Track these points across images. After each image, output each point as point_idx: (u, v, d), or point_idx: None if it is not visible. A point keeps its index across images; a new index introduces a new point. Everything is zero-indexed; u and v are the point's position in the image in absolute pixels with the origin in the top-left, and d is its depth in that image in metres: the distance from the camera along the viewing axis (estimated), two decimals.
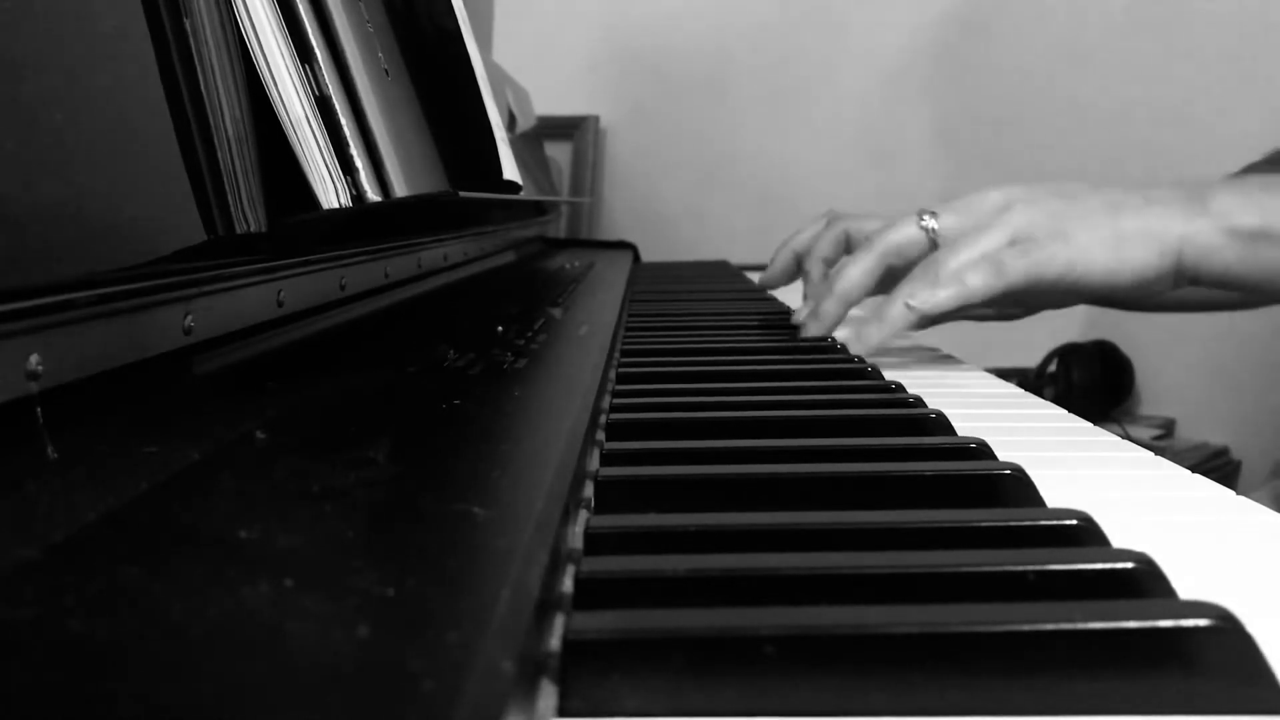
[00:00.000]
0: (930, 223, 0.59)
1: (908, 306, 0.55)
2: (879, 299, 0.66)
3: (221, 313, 0.37)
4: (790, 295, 0.89)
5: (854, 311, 0.63)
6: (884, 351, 0.61)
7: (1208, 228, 0.52)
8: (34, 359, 0.26)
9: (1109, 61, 1.54)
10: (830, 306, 0.60)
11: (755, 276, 1.09)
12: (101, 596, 0.17)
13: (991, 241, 0.55)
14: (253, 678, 0.15)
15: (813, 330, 0.61)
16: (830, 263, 0.76)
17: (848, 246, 0.77)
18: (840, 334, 0.61)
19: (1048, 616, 0.19)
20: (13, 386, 0.25)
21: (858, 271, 0.60)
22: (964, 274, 0.54)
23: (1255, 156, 0.83)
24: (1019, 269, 0.53)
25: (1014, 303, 0.66)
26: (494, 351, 0.45)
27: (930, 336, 0.69)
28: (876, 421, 0.39)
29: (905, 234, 0.59)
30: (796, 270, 0.79)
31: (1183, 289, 0.55)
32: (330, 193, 0.42)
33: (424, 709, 0.14)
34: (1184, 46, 1.48)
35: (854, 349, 0.57)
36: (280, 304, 0.42)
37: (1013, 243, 0.54)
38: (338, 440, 0.29)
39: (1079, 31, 1.55)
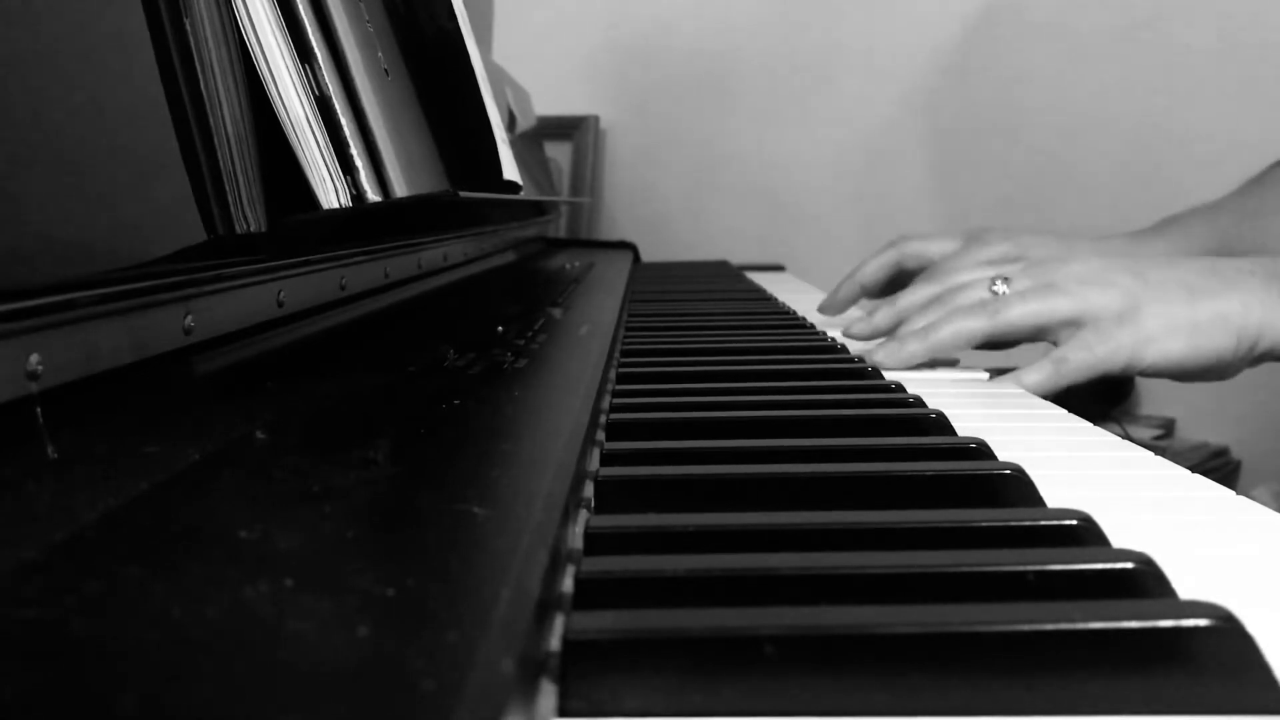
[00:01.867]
0: (1002, 289, 0.56)
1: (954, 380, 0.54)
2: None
3: (221, 313, 0.37)
4: (791, 297, 0.89)
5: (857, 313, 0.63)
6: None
7: None
8: (34, 359, 0.26)
9: (1109, 66, 1.54)
10: (883, 323, 0.60)
11: (756, 277, 1.10)
12: (102, 596, 0.17)
13: (1061, 309, 0.53)
14: (253, 678, 0.15)
15: (875, 355, 0.57)
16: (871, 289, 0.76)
17: (902, 270, 0.75)
18: (867, 339, 0.61)
19: (1048, 616, 0.19)
20: (13, 386, 0.25)
21: (917, 348, 0.57)
22: (1022, 375, 0.53)
23: (1254, 163, 0.83)
24: (1079, 365, 0.52)
25: None
26: (494, 351, 0.45)
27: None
28: (876, 421, 0.39)
29: (972, 298, 0.57)
30: (855, 300, 0.79)
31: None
32: (330, 193, 0.42)
33: (424, 709, 0.14)
34: (1184, 56, 1.48)
35: (882, 358, 0.56)
36: (280, 304, 0.42)
37: (1078, 323, 0.53)
38: (338, 440, 0.29)
39: (1079, 35, 1.55)
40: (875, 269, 0.76)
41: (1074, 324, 0.53)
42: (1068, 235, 0.72)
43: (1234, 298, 0.51)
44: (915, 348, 0.56)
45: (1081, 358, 0.51)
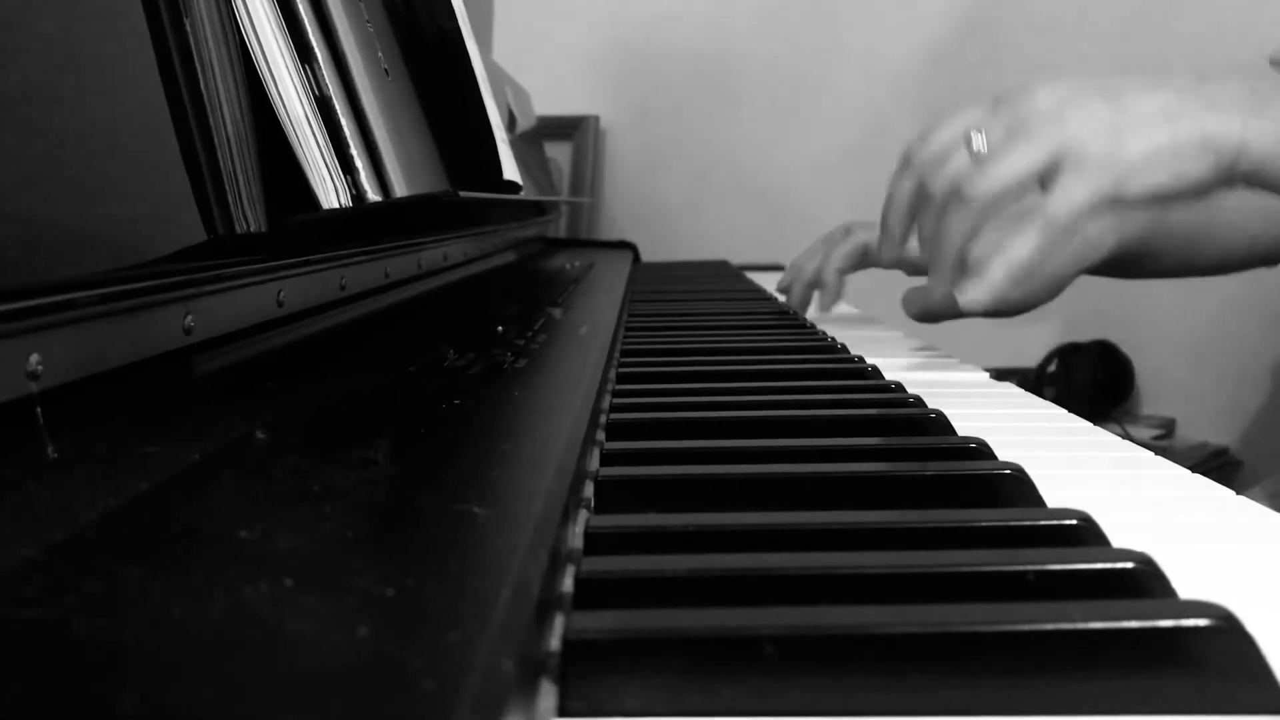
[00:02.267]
0: (979, 143, 0.53)
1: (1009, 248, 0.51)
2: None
3: (221, 313, 0.37)
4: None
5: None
6: (884, 351, 0.61)
7: (1270, 131, 0.50)
8: (34, 359, 0.26)
9: (1111, 62, 1.54)
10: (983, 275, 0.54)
11: (756, 277, 1.10)
12: (102, 596, 0.17)
13: (1032, 159, 0.51)
14: (253, 677, 0.15)
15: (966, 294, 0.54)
16: (844, 272, 0.77)
17: (865, 258, 0.78)
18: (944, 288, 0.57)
19: (1048, 616, 0.19)
20: (13, 386, 0.25)
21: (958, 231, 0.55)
22: (1009, 247, 0.50)
23: None
24: (1068, 214, 0.49)
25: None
26: (494, 351, 0.45)
27: (931, 336, 0.69)
28: (876, 421, 0.39)
29: (955, 168, 0.54)
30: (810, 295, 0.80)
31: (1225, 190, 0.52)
32: (330, 193, 0.42)
33: (424, 709, 0.14)
34: (1183, 52, 1.48)
35: (978, 295, 0.52)
36: (280, 304, 0.42)
37: (1057, 160, 0.50)
38: (338, 440, 0.29)
39: (1079, 33, 1.55)
40: (821, 259, 0.78)
41: (1055, 165, 0.51)
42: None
43: (1213, 118, 0.50)
44: (997, 275, 0.52)
45: (1066, 209, 0.50)
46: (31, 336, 0.26)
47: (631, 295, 0.86)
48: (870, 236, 0.76)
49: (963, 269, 0.54)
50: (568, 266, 1.05)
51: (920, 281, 0.68)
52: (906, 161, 0.62)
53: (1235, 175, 0.51)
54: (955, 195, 0.54)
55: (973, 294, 0.51)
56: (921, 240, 0.59)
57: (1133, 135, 0.50)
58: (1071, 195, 0.50)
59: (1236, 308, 1.43)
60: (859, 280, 0.84)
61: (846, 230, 0.80)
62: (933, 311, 0.66)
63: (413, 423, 0.31)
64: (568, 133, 1.71)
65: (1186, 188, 0.51)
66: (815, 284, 0.82)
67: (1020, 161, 0.51)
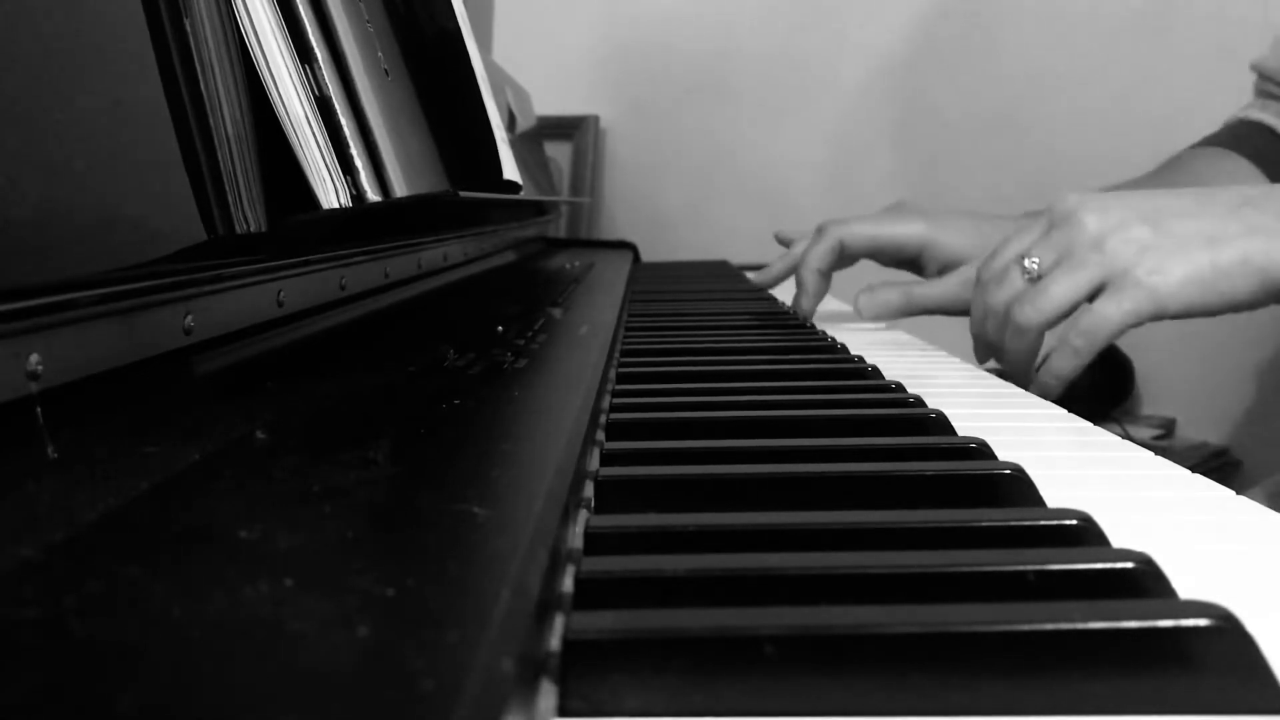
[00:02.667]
0: (1033, 265, 0.57)
1: (1054, 377, 0.56)
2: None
3: (221, 313, 0.37)
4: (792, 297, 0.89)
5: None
6: (884, 350, 0.61)
7: None
8: (34, 359, 0.26)
9: (1112, 60, 1.54)
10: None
11: (754, 276, 1.10)
12: (102, 596, 0.17)
13: (1078, 287, 0.54)
14: (253, 677, 0.15)
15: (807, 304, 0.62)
16: (825, 274, 0.78)
17: (843, 253, 0.78)
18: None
19: (1048, 616, 0.19)
20: (13, 386, 0.25)
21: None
22: (1053, 360, 0.55)
23: None
24: (1110, 329, 0.53)
25: None
26: (494, 351, 0.45)
27: (931, 337, 0.69)
28: (876, 421, 0.39)
29: (1011, 290, 0.57)
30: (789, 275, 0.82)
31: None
32: (330, 193, 0.42)
33: (424, 709, 0.14)
34: (1184, 47, 1.48)
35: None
36: (280, 304, 0.42)
37: (1105, 284, 0.53)
38: (338, 440, 0.29)
39: (1080, 31, 1.55)
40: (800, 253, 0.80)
41: (1101, 287, 0.54)
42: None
43: (1257, 242, 0.52)
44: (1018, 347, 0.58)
45: (1110, 323, 0.53)
46: (31, 336, 0.26)
47: (631, 295, 0.86)
48: (843, 232, 0.77)
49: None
50: (568, 266, 1.05)
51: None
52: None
53: (1276, 293, 0.52)
54: (1009, 317, 0.58)
55: (1060, 368, 0.56)
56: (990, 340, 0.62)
57: (1175, 260, 0.52)
58: (1109, 316, 0.53)
59: None
60: (857, 281, 0.84)
61: (819, 230, 0.81)
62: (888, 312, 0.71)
63: (413, 423, 0.31)
64: (568, 133, 1.71)
65: (1229, 307, 0.53)
66: (790, 273, 0.84)
67: (1067, 291, 0.54)
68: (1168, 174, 0.82)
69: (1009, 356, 0.59)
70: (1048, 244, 0.56)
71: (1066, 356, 0.55)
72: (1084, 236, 0.54)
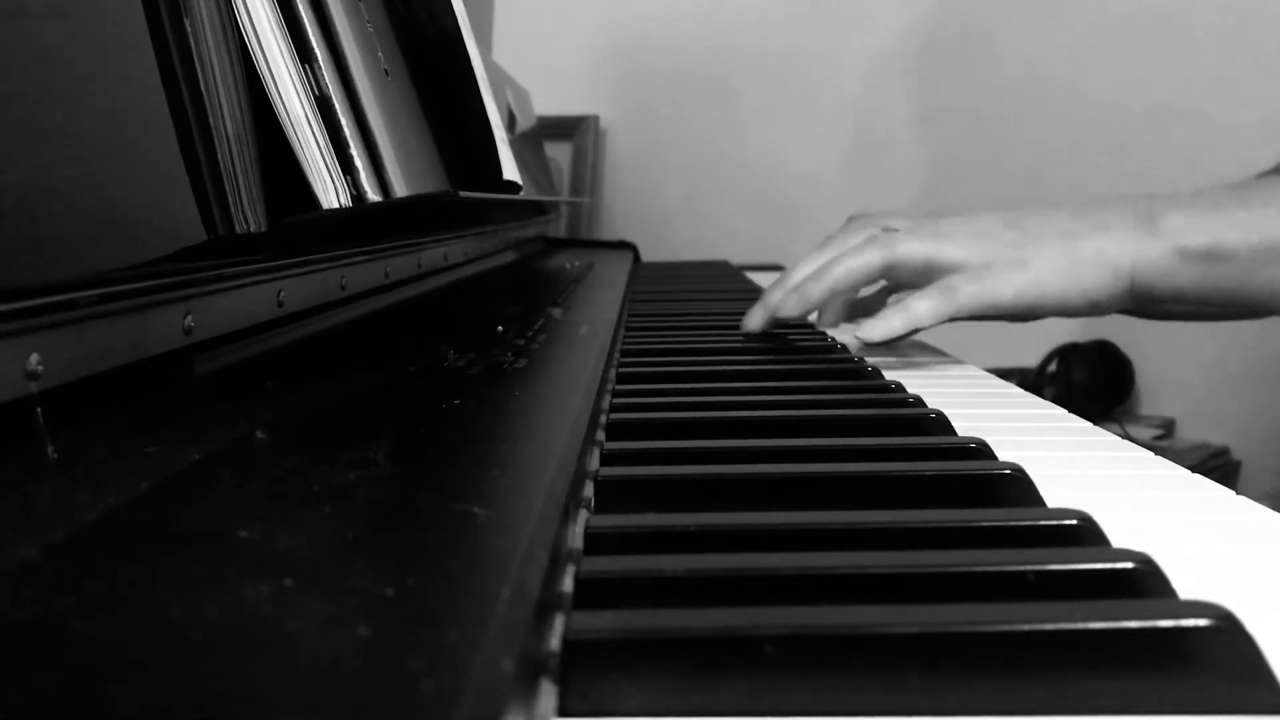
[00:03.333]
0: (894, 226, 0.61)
1: (857, 338, 0.57)
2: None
3: (221, 313, 0.37)
4: None
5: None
6: (883, 350, 0.61)
7: (1158, 249, 0.53)
8: (34, 359, 0.26)
9: (1109, 59, 1.54)
10: (763, 309, 0.62)
11: (756, 277, 1.10)
12: (101, 596, 0.17)
13: (950, 254, 0.56)
14: (253, 678, 0.15)
15: (751, 323, 0.62)
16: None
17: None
18: (775, 298, 0.62)
19: (1048, 616, 0.19)
20: (13, 386, 0.25)
21: (815, 289, 0.60)
22: (911, 301, 0.56)
23: (1251, 154, 0.83)
24: (969, 294, 0.55)
25: (975, 318, 0.68)
26: (494, 351, 0.45)
27: (930, 336, 0.69)
28: (876, 421, 0.39)
29: (864, 261, 0.60)
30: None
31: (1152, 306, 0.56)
32: (330, 193, 0.42)
33: (424, 709, 0.14)
34: (1184, 42, 1.48)
35: (790, 307, 0.59)
36: (280, 304, 0.42)
37: (964, 269, 0.56)
38: (338, 440, 0.29)
39: (1080, 29, 1.55)
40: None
41: (960, 269, 0.56)
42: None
43: (1108, 237, 0.55)
44: (813, 288, 0.59)
45: (971, 289, 0.55)
46: (31, 336, 0.26)
47: (631, 295, 0.86)
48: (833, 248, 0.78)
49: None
50: (568, 266, 1.05)
51: None
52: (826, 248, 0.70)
53: (1136, 291, 0.55)
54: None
55: (868, 333, 0.57)
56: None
57: (1035, 251, 0.56)
58: (975, 281, 0.55)
59: None
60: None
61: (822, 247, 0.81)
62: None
63: (413, 423, 0.31)
64: (568, 133, 1.71)
65: (1086, 296, 0.55)
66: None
67: (935, 247, 0.57)
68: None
69: (810, 288, 0.60)
70: (909, 228, 0.60)
71: (925, 307, 0.55)
72: (951, 223, 0.58)
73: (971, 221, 0.58)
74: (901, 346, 0.67)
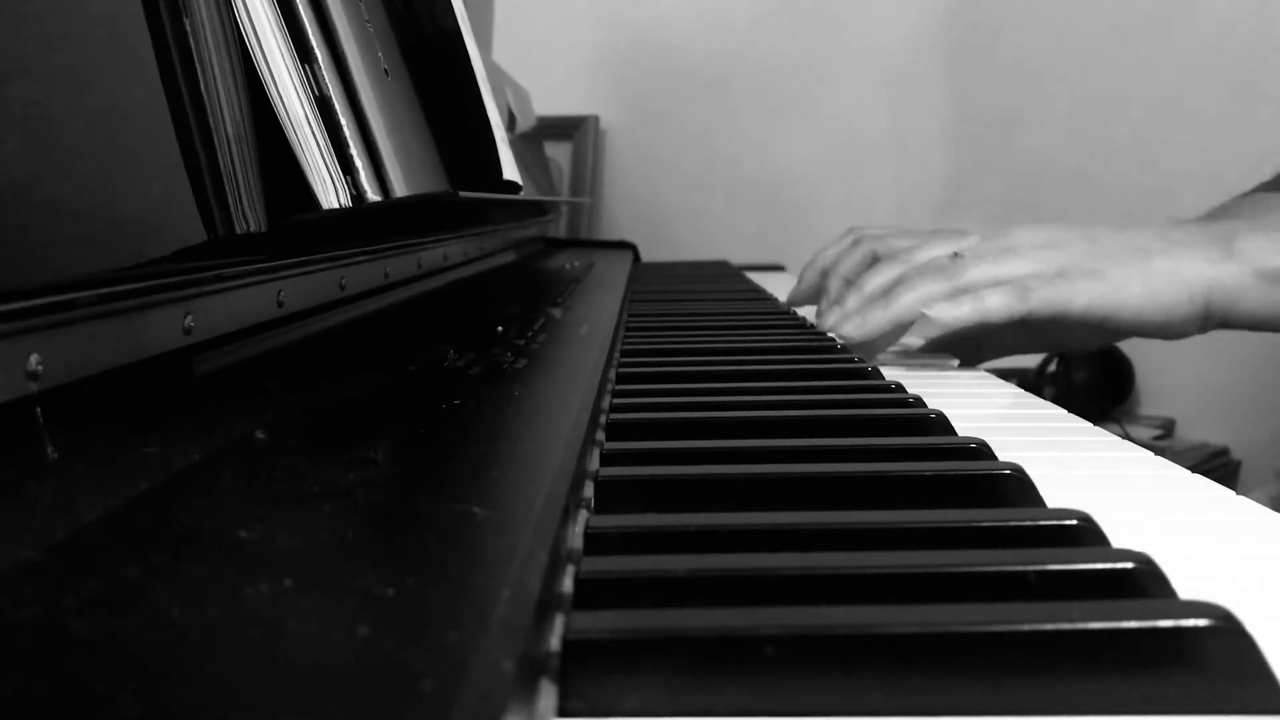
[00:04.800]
0: (964, 247, 0.58)
1: (923, 314, 0.54)
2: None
3: (221, 313, 0.37)
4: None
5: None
6: (884, 350, 0.61)
7: (1235, 271, 0.52)
8: (34, 359, 0.26)
9: (1112, 60, 1.54)
10: (852, 306, 0.59)
11: (756, 277, 1.10)
12: (101, 596, 0.17)
13: (1020, 268, 0.54)
14: (253, 678, 0.15)
15: (841, 328, 0.59)
16: (851, 284, 0.76)
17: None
18: (835, 318, 0.60)
19: (1048, 616, 0.19)
20: (13, 386, 0.25)
21: (881, 281, 0.58)
22: (985, 292, 0.53)
23: (1251, 155, 0.83)
24: (1044, 297, 0.52)
25: (1040, 340, 0.66)
26: (494, 351, 0.45)
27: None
28: (876, 421, 0.39)
29: (931, 292, 0.57)
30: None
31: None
32: (330, 193, 0.42)
33: (424, 709, 0.14)
34: (1188, 46, 1.48)
35: (849, 330, 0.57)
36: (280, 304, 0.42)
37: (1040, 276, 0.54)
38: (338, 440, 0.29)
39: (1081, 30, 1.55)
40: (835, 255, 0.76)
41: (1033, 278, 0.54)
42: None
43: (1184, 256, 0.53)
44: (879, 315, 0.57)
45: (1046, 292, 0.53)
46: (31, 336, 0.26)
47: (631, 295, 0.85)
48: (879, 246, 0.76)
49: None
50: (568, 266, 1.05)
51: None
52: (859, 243, 0.68)
53: (1211, 312, 0.54)
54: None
55: (939, 313, 0.54)
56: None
57: (1110, 262, 0.54)
58: (1050, 284, 0.53)
59: None
60: None
61: (855, 241, 0.79)
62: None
63: (412, 423, 0.31)
64: (568, 133, 1.71)
65: (1162, 314, 0.53)
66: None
67: (1005, 269, 0.54)
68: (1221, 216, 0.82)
69: (874, 315, 0.57)
70: (981, 243, 0.58)
71: (1007, 295, 0.53)
72: (1023, 236, 0.56)
73: (1042, 231, 0.56)
74: (902, 346, 0.67)
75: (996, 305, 0.53)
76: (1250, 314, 0.53)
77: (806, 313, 0.76)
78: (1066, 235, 0.56)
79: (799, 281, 0.77)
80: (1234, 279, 0.52)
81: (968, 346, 0.65)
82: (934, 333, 0.55)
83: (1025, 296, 0.53)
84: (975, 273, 0.55)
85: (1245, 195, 0.80)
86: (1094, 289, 0.53)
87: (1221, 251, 0.53)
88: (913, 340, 0.56)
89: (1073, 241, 0.55)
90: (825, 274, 0.75)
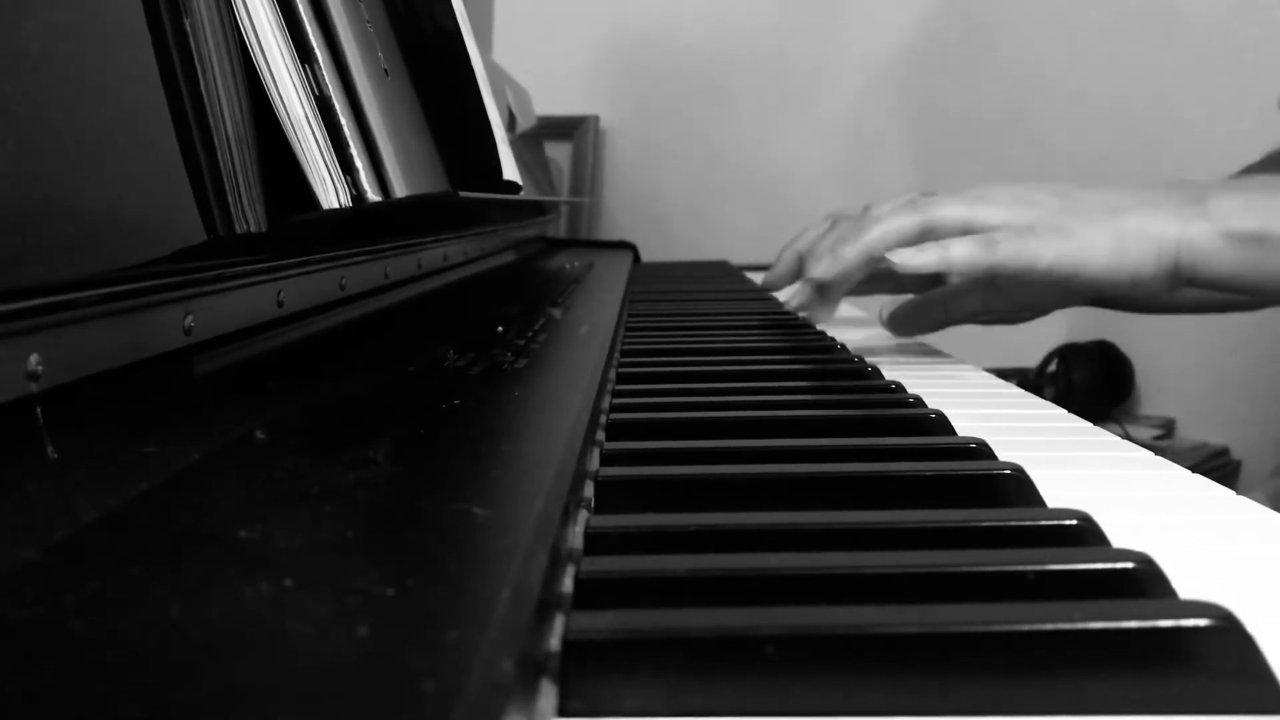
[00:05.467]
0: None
1: (889, 259, 0.54)
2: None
3: (221, 313, 0.37)
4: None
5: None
6: (884, 350, 0.61)
7: (1205, 230, 0.52)
8: (34, 359, 0.26)
9: (1106, 61, 1.54)
10: (814, 283, 0.60)
11: (756, 277, 1.10)
12: (101, 596, 0.17)
13: (990, 216, 0.54)
14: (253, 678, 0.15)
15: (812, 271, 0.59)
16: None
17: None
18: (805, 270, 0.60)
19: (1048, 616, 0.19)
20: (13, 386, 0.25)
21: (850, 252, 0.58)
22: (951, 241, 0.53)
23: (1251, 155, 0.83)
24: (1010, 250, 0.52)
25: (1006, 300, 0.66)
26: (494, 351, 0.45)
27: (931, 336, 0.69)
28: (876, 421, 0.39)
29: (899, 224, 0.57)
30: (799, 272, 0.78)
31: (1180, 290, 0.55)
32: (330, 193, 0.42)
33: (424, 709, 0.14)
34: (1180, 45, 1.48)
35: (820, 271, 0.57)
36: (280, 304, 0.42)
37: (1009, 228, 0.54)
38: (338, 440, 0.29)
39: (1076, 31, 1.55)
40: (813, 238, 0.76)
41: (1002, 230, 0.54)
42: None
43: (1154, 214, 0.53)
44: (848, 250, 0.57)
45: (1013, 245, 0.53)
46: (31, 336, 0.26)
47: (631, 295, 0.85)
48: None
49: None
50: (568, 266, 1.05)
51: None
52: (835, 225, 0.67)
53: (1179, 271, 0.53)
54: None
55: (904, 259, 0.53)
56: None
57: (1078, 219, 0.53)
58: (1017, 238, 0.53)
59: None
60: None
61: (833, 223, 0.79)
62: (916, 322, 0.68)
63: (413, 423, 0.31)
64: (568, 133, 1.71)
65: (1130, 272, 0.53)
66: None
67: (973, 211, 0.54)
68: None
69: (844, 251, 0.57)
70: (949, 194, 0.57)
71: (972, 245, 0.53)
72: (994, 189, 0.56)
73: (1015, 188, 0.56)
74: (902, 346, 0.67)
75: (961, 254, 0.53)
76: (1218, 273, 0.52)
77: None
78: (1039, 192, 0.56)
79: (775, 264, 0.77)
80: (1204, 238, 0.52)
81: (935, 311, 0.65)
82: (906, 268, 0.54)
83: (992, 248, 0.53)
84: (945, 210, 0.55)
85: (1233, 176, 0.80)
86: (1062, 245, 0.52)
87: (1195, 210, 0.53)
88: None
89: (1045, 199, 0.55)
90: (800, 257, 0.76)
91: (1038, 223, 0.54)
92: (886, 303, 0.69)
